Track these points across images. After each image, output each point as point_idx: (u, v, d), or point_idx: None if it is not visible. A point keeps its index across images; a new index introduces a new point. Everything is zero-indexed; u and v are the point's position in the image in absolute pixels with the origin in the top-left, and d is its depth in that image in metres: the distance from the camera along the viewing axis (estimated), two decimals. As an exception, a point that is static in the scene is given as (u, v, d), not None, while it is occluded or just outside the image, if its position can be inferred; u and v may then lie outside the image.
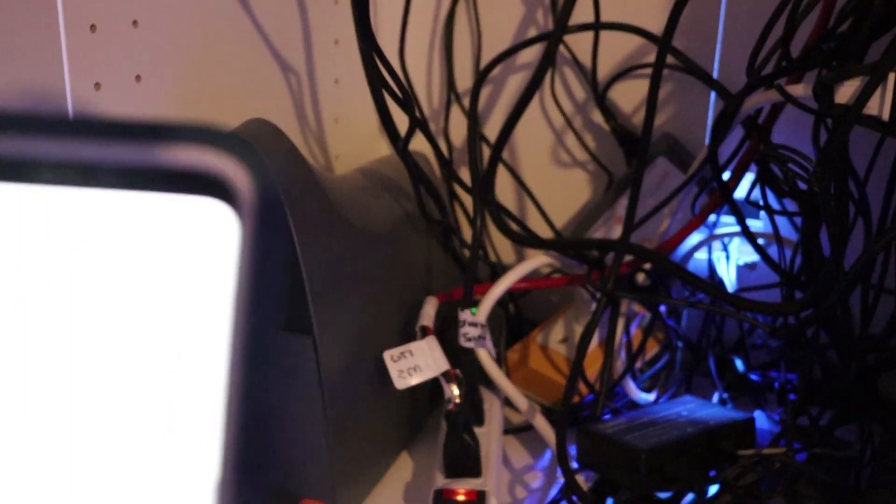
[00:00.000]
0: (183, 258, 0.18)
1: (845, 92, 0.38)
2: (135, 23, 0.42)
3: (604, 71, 0.58)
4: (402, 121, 0.48)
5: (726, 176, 0.49)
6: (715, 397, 0.54)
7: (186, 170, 0.18)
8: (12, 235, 0.19)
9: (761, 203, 0.49)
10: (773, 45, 0.43)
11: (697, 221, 0.52)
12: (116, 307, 0.19)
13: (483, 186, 0.52)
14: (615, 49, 0.58)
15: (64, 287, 0.19)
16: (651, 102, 0.45)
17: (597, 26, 0.55)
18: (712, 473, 0.44)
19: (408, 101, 0.46)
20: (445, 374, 0.44)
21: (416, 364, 0.45)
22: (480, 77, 0.56)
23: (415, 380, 0.44)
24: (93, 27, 0.39)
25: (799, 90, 0.41)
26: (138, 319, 0.19)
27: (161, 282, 0.19)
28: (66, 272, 0.19)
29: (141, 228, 0.19)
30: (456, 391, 0.44)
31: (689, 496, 0.45)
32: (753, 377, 0.55)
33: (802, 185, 0.43)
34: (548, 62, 0.49)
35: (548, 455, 0.52)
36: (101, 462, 0.19)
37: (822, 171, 0.40)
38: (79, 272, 0.19)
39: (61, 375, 0.19)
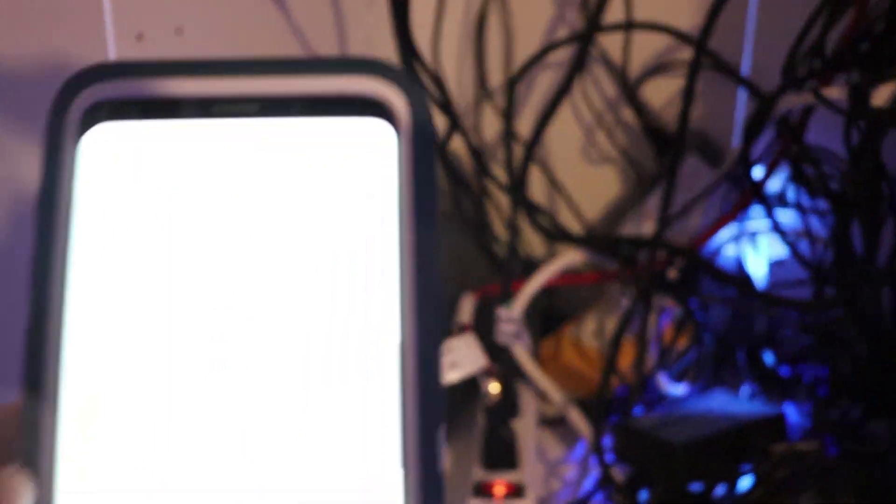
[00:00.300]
0: (351, 173, 0.21)
1: (881, 95, 0.39)
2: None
3: (634, 67, 0.59)
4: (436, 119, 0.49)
5: (758, 173, 0.50)
6: (744, 391, 0.55)
7: (355, 96, 0.20)
8: (203, 167, 0.21)
9: (792, 201, 0.50)
10: (807, 46, 0.44)
11: (728, 218, 0.53)
12: (302, 223, 0.21)
13: (517, 184, 0.53)
14: (645, 46, 0.58)
15: (250, 210, 0.21)
16: (686, 103, 0.46)
17: (629, 25, 0.56)
18: (745, 468, 0.45)
19: (448, 103, 0.47)
20: (484, 371, 0.46)
21: (454, 360, 0.46)
22: (512, 82, 0.57)
23: (454, 376, 0.45)
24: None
25: (833, 92, 0.42)
26: (321, 231, 0.21)
27: (336, 196, 0.21)
28: (252, 196, 0.21)
29: (315, 151, 0.21)
30: (495, 387, 0.45)
31: (722, 490, 0.45)
32: (783, 371, 0.55)
33: (833, 184, 0.44)
34: (579, 65, 0.50)
35: (580, 448, 0.53)
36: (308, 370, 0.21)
37: (855, 173, 0.41)
38: (265, 195, 0.21)
39: (261, 294, 0.21)
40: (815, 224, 0.52)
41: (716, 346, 0.57)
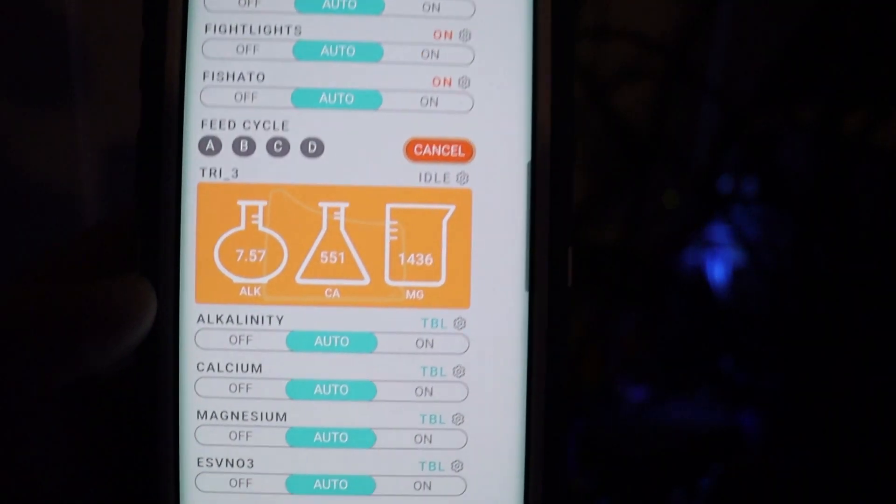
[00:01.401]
0: None
1: (853, 121, 0.39)
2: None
3: (603, 73, 0.59)
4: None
5: (723, 184, 0.50)
6: (702, 398, 0.56)
7: None
8: None
9: (756, 213, 0.50)
10: (779, 66, 0.44)
11: (692, 228, 0.54)
12: None
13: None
14: (614, 52, 0.58)
15: None
16: (657, 116, 0.46)
17: (601, 33, 0.56)
18: (703, 480, 0.46)
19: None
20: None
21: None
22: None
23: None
24: None
25: (805, 114, 0.42)
26: None
27: None
28: None
29: None
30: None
31: (680, 501, 0.46)
32: (741, 378, 0.56)
33: (798, 199, 0.44)
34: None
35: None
36: None
37: (822, 191, 0.41)
38: None
39: None
40: (778, 235, 0.53)
41: (674, 352, 0.58)
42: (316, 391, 0.19)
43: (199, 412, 0.19)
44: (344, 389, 0.19)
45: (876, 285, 0.46)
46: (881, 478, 0.44)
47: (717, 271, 0.57)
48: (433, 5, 0.20)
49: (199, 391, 0.19)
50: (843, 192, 0.42)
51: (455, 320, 0.19)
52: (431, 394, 0.19)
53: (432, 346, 0.19)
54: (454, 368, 0.19)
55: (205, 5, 0.19)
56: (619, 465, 0.44)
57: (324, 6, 0.20)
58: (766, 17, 0.46)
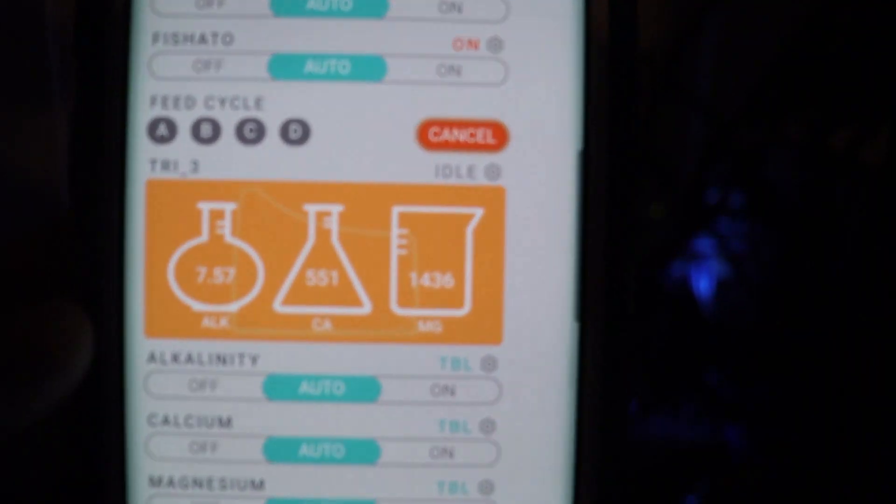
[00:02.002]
0: None
1: (839, 139, 0.36)
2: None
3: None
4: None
5: (710, 197, 0.47)
6: (687, 413, 0.52)
7: None
8: None
9: (742, 227, 0.47)
10: (766, 82, 0.41)
11: (678, 241, 0.50)
12: None
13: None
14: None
15: None
16: (646, 130, 0.43)
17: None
18: (689, 499, 0.42)
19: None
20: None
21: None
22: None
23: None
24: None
25: (792, 130, 0.39)
26: None
27: None
28: None
29: None
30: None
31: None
32: (726, 392, 0.52)
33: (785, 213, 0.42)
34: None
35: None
36: None
37: (808, 206, 0.39)
38: None
39: None
40: (764, 249, 0.50)
41: (658, 365, 0.54)
42: (302, 452, 0.15)
43: (151, 478, 0.15)
44: (338, 450, 0.15)
45: (862, 300, 0.43)
46: (868, 492, 0.41)
47: (703, 284, 0.54)
48: None
49: (151, 452, 0.15)
50: (829, 207, 0.40)
51: (483, 360, 0.15)
52: (452, 456, 0.15)
53: (453, 393, 0.15)
54: (481, 423, 0.15)
55: None
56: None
57: None
58: (753, 33, 0.43)
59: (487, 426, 0.15)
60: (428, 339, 0.15)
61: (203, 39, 0.15)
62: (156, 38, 0.15)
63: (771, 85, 0.42)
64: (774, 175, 0.44)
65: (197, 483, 0.15)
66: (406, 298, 0.15)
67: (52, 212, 0.15)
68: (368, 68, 0.15)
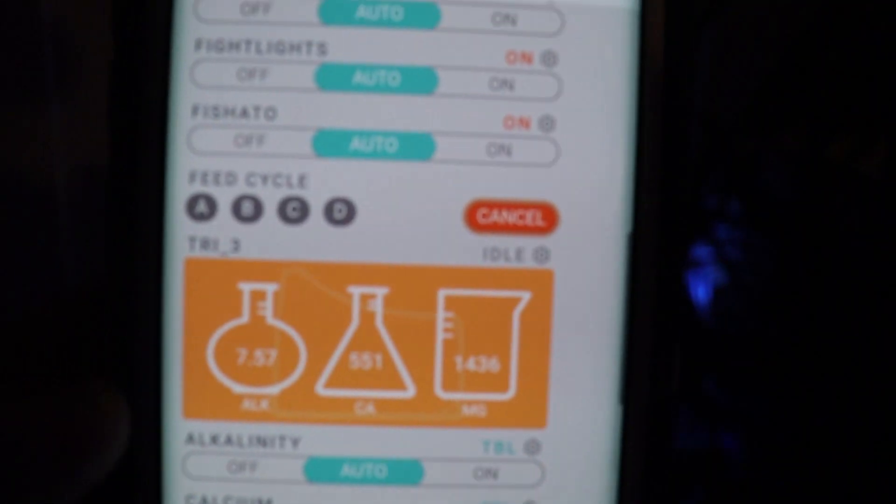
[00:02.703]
0: None
1: (836, 149, 0.36)
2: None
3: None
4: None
5: (707, 205, 0.47)
6: (684, 420, 0.53)
7: None
8: None
9: (740, 235, 0.47)
10: (763, 91, 0.41)
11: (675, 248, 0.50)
12: None
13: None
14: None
15: None
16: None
17: None
18: (683, 502, 0.43)
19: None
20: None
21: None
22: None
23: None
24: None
25: (789, 142, 0.39)
26: None
27: None
28: None
29: None
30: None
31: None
32: (723, 399, 0.53)
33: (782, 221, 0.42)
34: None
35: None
36: None
37: (804, 216, 0.39)
38: None
39: None
40: (761, 257, 0.50)
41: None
42: None
43: None
44: (380, 533, 0.15)
45: (858, 308, 0.44)
46: (865, 500, 0.42)
47: (701, 291, 0.54)
48: (507, 17, 0.14)
49: None
50: (827, 217, 0.41)
51: (526, 444, 0.15)
52: None
53: (496, 476, 0.15)
54: None
55: (196, 13, 0.14)
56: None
57: (358, 15, 0.14)
58: (750, 43, 0.43)
59: None
60: (472, 423, 0.15)
61: (245, 113, 0.14)
62: (195, 110, 0.14)
63: (768, 95, 0.42)
64: (772, 184, 0.44)
65: (236, 565, 0.15)
66: (451, 382, 0.15)
67: (91, 290, 0.15)
68: (416, 146, 0.14)
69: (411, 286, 0.14)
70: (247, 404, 0.14)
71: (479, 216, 0.14)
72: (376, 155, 0.14)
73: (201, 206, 0.14)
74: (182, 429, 0.14)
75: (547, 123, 0.14)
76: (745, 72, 0.42)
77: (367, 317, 0.14)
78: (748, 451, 0.49)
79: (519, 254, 0.14)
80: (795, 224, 0.40)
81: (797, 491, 0.44)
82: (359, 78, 0.14)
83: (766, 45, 0.41)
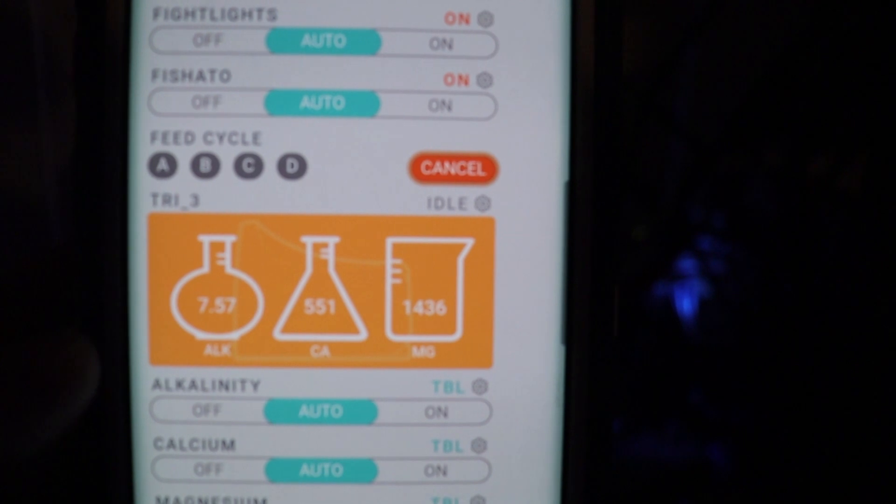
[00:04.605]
0: None
1: (818, 164, 0.37)
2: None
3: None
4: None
5: (691, 220, 0.47)
6: (670, 431, 0.53)
7: None
8: None
9: (724, 250, 0.47)
10: (746, 109, 0.42)
11: (659, 260, 0.50)
12: None
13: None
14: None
15: None
16: (629, 156, 0.44)
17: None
18: None
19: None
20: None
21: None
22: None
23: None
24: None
25: (770, 158, 0.40)
26: None
27: None
28: None
29: None
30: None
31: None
32: (710, 412, 0.53)
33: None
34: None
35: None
36: None
37: (787, 231, 0.39)
38: None
39: None
40: (745, 271, 0.50)
41: (642, 384, 0.55)
42: (302, 472, 0.16)
43: (158, 499, 0.15)
44: (337, 470, 0.16)
45: (840, 320, 0.44)
46: None
47: (686, 304, 0.54)
48: None
49: (157, 474, 0.15)
50: (807, 231, 0.41)
51: (474, 383, 0.16)
52: (445, 473, 0.16)
53: (446, 415, 0.16)
54: (473, 442, 0.16)
55: None
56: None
57: None
58: (732, 61, 0.44)
59: (479, 445, 0.16)
60: (421, 363, 0.15)
61: (201, 76, 0.15)
62: (155, 74, 0.15)
63: (751, 113, 0.43)
64: (754, 200, 0.45)
65: (202, 503, 0.15)
66: (400, 325, 0.15)
67: (58, 243, 0.16)
68: (362, 103, 0.15)
69: (361, 235, 0.15)
70: (209, 350, 0.15)
71: (423, 168, 0.15)
72: (325, 112, 0.15)
73: (162, 164, 0.15)
74: (149, 375, 0.15)
75: (485, 80, 0.15)
76: (729, 90, 0.43)
77: (320, 265, 0.15)
78: (735, 463, 0.49)
79: (461, 203, 0.15)
80: (778, 238, 0.41)
81: (783, 501, 0.44)
82: (307, 41, 0.15)
83: (749, 65, 0.42)
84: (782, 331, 0.43)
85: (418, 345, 0.15)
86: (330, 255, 0.15)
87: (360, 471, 0.15)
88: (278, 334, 0.15)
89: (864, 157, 0.38)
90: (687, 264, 0.51)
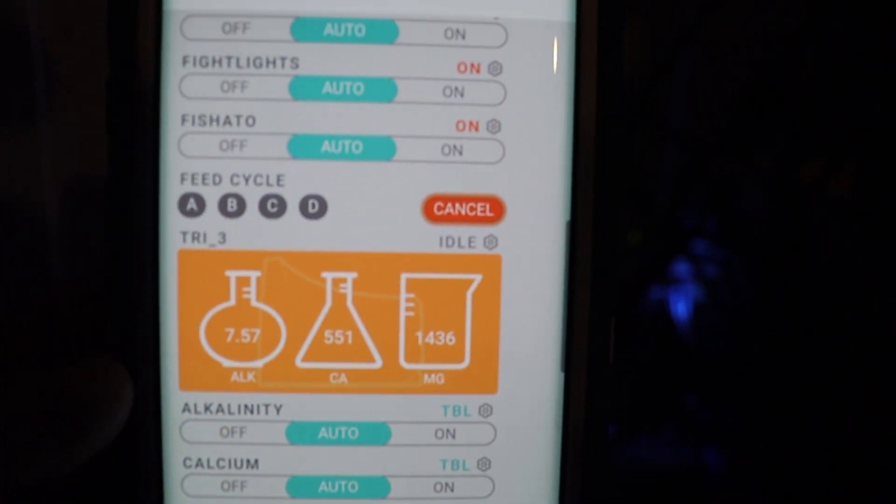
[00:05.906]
0: None
1: (809, 169, 0.38)
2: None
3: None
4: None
5: (684, 224, 0.48)
6: (665, 435, 0.54)
7: None
8: None
9: (717, 254, 0.48)
10: (738, 114, 0.42)
11: (654, 264, 0.51)
12: None
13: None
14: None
15: None
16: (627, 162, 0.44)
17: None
18: None
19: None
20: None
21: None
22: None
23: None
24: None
25: (763, 163, 0.41)
26: None
27: None
28: None
29: None
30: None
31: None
32: (705, 415, 0.54)
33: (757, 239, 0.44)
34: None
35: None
36: None
37: (779, 235, 0.40)
38: None
39: None
40: (738, 276, 0.51)
41: (637, 388, 0.56)
42: (321, 489, 0.17)
43: None
44: (353, 487, 0.17)
45: (832, 324, 0.46)
46: None
47: (681, 308, 0.55)
48: (457, 31, 0.16)
49: (187, 490, 0.17)
50: (799, 235, 0.42)
51: (480, 407, 0.17)
52: (453, 490, 0.17)
53: (454, 436, 0.17)
54: (479, 461, 0.17)
55: (182, 32, 0.16)
56: None
57: (325, 32, 0.16)
58: (725, 68, 0.44)
59: (484, 464, 0.17)
60: (432, 389, 0.17)
61: (228, 121, 0.16)
62: (184, 119, 0.16)
63: (743, 117, 0.44)
64: (747, 204, 0.46)
65: (228, 517, 0.17)
66: (413, 354, 0.17)
67: (94, 282, 0.17)
68: (379, 148, 0.16)
69: (377, 271, 0.16)
70: (235, 377, 0.16)
71: (436, 209, 0.16)
72: (344, 156, 0.16)
73: (191, 204, 0.16)
74: (179, 399, 0.16)
75: (494, 126, 0.16)
76: (722, 96, 0.43)
77: (339, 298, 0.16)
78: (730, 467, 0.50)
79: (471, 241, 0.16)
80: (771, 242, 0.42)
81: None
82: (327, 88, 0.16)
83: (741, 71, 0.42)
84: (776, 334, 0.44)
85: (429, 372, 0.17)
86: (348, 289, 0.16)
87: (375, 487, 0.17)
88: (300, 362, 0.16)
89: (854, 162, 0.39)
90: (681, 268, 0.53)
